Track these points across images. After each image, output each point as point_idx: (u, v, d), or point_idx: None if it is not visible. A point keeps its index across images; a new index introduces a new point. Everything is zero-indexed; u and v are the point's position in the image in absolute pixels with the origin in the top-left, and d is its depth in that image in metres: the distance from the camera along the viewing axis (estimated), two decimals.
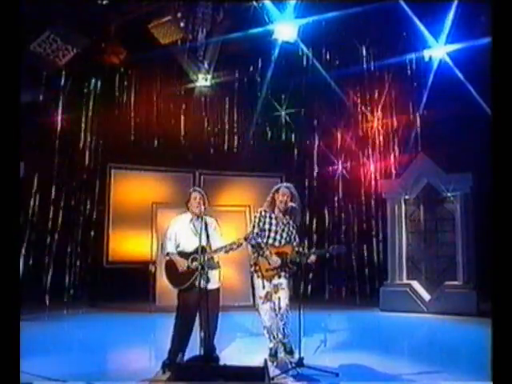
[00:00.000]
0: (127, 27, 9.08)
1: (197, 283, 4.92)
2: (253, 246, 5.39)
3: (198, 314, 4.98)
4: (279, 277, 5.37)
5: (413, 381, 4.81)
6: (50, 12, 8.27)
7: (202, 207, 5.10)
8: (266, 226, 5.47)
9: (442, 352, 6.04)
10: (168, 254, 5.18)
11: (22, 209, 8.99)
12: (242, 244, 5.07)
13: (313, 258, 5.35)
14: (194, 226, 5.15)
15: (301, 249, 5.43)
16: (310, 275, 10.59)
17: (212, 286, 5.01)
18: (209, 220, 5.20)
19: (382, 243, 10.66)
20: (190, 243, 5.10)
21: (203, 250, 4.91)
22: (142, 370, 4.93)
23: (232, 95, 11.62)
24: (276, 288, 5.35)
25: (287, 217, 5.54)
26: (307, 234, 9.82)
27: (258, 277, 5.42)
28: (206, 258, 4.90)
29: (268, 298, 5.37)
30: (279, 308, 5.29)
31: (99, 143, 10.88)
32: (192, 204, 5.15)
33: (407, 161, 10.47)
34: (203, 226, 4.95)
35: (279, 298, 5.31)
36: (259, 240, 5.37)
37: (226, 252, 5.10)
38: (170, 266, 5.15)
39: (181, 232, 5.20)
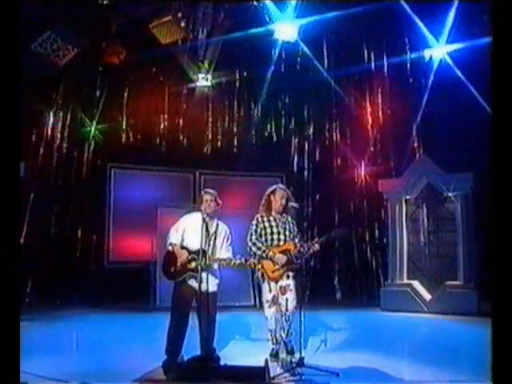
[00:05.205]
0: (127, 27, 9.08)
1: (190, 281, 4.99)
2: (255, 253, 5.42)
3: (197, 316, 5.00)
4: (287, 277, 5.39)
5: (413, 381, 4.81)
6: (50, 12, 8.27)
7: (214, 207, 5.18)
8: (268, 230, 5.50)
9: (442, 352, 6.02)
10: (171, 244, 5.21)
11: (22, 209, 9.00)
12: (241, 264, 5.05)
13: (316, 246, 5.39)
14: (202, 225, 5.11)
15: (303, 242, 5.45)
16: (312, 275, 10.62)
17: (210, 289, 4.99)
18: (220, 226, 5.26)
19: (383, 243, 10.65)
20: (195, 242, 5.11)
21: (204, 253, 4.94)
22: (142, 370, 4.93)
23: (232, 95, 11.60)
24: (283, 289, 5.36)
25: (284, 215, 5.57)
26: (307, 235, 9.80)
27: (264, 280, 5.44)
28: (204, 263, 4.92)
29: (274, 301, 5.39)
30: (286, 309, 5.31)
31: (99, 143, 10.89)
32: (204, 206, 5.18)
33: (408, 160, 10.46)
34: (203, 228, 5.00)
35: (287, 300, 5.33)
36: (259, 244, 5.41)
37: (226, 266, 5.10)
38: (169, 257, 5.18)
39: (190, 229, 5.21)
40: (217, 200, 5.24)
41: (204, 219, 5.12)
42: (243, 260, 5.07)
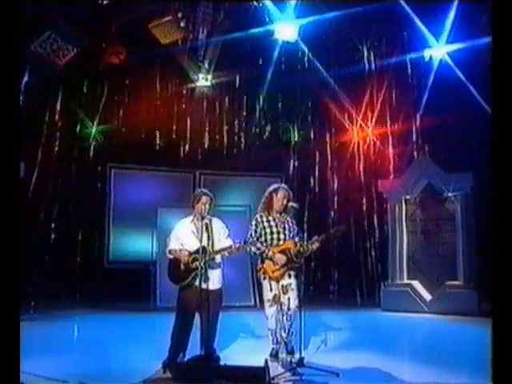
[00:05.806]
0: (127, 27, 9.08)
1: (196, 282, 4.96)
2: (254, 253, 5.46)
3: (198, 314, 5.00)
4: (289, 276, 5.39)
5: (413, 381, 4.81)
6: (50, 12, 8.27)
7: (209, 209, 5.19)
8: (267, 230, 5.50)
9: (442, 352, 6.02)
10: (170, 251, 5.24)
11: (21, 209, 8.98)
12: (241, 247, 5.12)
13: (316, 245, 5.38)
14: (196, 226, 5.19)
15: (302, 241, 5.45)
16: (313, 275, 10.62)
17: (213, 286, 5.03)
18: (214, 221, 5.24)
19: (383, 243, 10.65)
20: (192, 243, 5.14)
21: (204, 250, 4.94)
22: (142, 370, 4.93)
23: (232, 95, 11.60)
24: (285, 289, 5.36)
25: (284, 214, 5.58)
26: (308, 234, 9.79)
27: (265, 279, 5.44)
28: (206, 259, 4.93)
29: (276, 300, 5.38)
30: (288, 309, 5.31)
31: (99, 143, 10.89)
32: (199, 207, 5.18)
33: (408, 161, 10.46)
34: (203, 227, 5.01)
35: (289, 299, 5.32)
36: (258, 245, 5.41)
37: (229, 254, 5.14)
38: (172, 263, 5.21)
39: (184, 232, 5.25)
40: (212, 202, 5.26)
41: (198, 220, 5.15)
42: (242, 243, 5.13)
